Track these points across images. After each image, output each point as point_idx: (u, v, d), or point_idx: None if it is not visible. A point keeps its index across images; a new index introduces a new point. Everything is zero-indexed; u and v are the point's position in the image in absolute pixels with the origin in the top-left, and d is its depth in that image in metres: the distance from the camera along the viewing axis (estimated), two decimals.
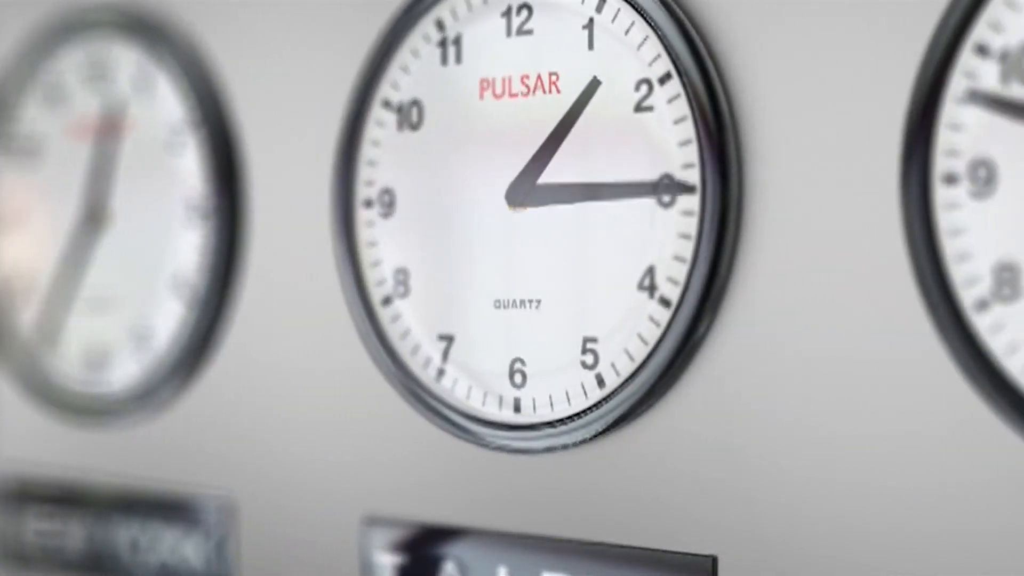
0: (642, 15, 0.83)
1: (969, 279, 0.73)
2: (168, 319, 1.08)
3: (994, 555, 0.73)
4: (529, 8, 0.88)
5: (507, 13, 0.89)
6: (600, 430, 0.85)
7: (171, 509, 1.08)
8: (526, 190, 0.88)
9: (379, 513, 0.96)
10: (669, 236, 0.83)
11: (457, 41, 0.92)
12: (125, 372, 1.11)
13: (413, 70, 0.94)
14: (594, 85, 0.85)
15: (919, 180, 0.74)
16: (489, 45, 0.90)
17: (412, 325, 0.94)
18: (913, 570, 0.75)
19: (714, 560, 0.82)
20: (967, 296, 0.73)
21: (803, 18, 0.79)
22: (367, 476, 0.98)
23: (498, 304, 0.90)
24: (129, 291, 1.11)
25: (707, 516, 0.82)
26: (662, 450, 0.84)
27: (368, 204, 0.96)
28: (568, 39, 0.87)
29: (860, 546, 0.77)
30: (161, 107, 1.09)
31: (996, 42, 0.72)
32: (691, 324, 0.82)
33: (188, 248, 1.07)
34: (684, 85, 0.82)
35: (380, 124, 0.95)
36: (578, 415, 0.86)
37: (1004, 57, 0.72)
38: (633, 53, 0.84)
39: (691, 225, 0.82)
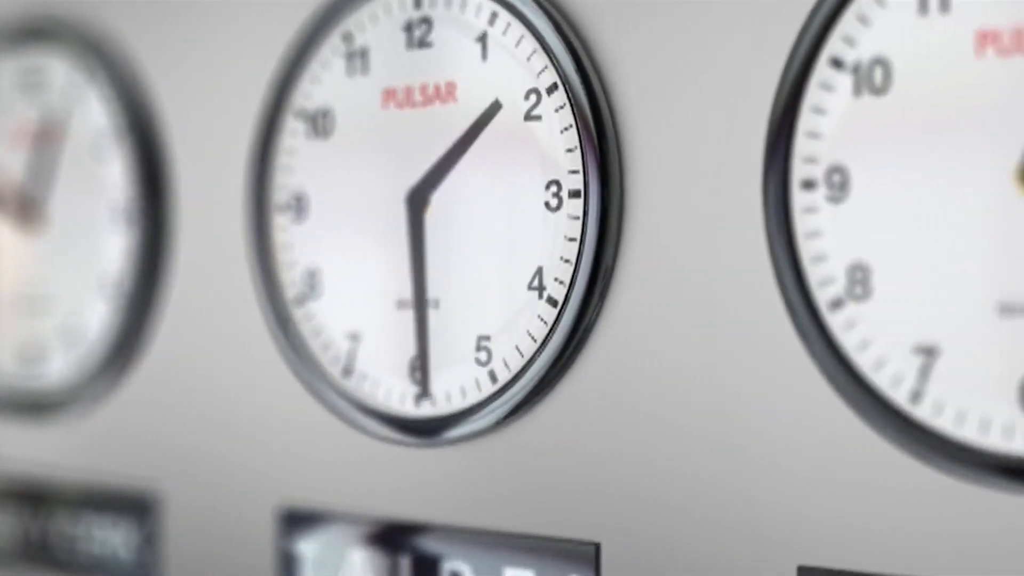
0: (530, 29, 0.88)
1: (824, 279, 0.77)
2: (98, 318, 1.12)
3: (848, 537, 0.77)
4: (429, 21, 0.93)
5: (408, 27, 0.94)
6: (492, 424, 0.89)
7: (103, 502, 1.12)
8: (425, 197, 0.92)
9: (297, 505, 1.01)
10: (557, 239, 0.87)
11: (363, 53, 0.96)
12: (58, 368, 1.15)
13: (323, 81, 0.98)
14: (495, 107, 0.89)
15: (779, 185, 0.79)
16: (392, 57, 0.95)
17: (323, 324, 0.98)
18: (780, 554, 0.80)
19: (597, 547, 0.86)
20: (822, 295, 0.77)
21: (677, 35, 0.83)
22: (285, 470, 1.02)
23: (401, 304, 0.94)
24: (62, 290, 1.15)
25: (592, 504, 0.87)
26: (551, 442, 0.88)
27: (282, 209, 1.00)
28: (464, 51, 0.91)
29: (735, 532, 0.81)
30: (91, 115, 1.13)
31: (849, 56, 0.77)
32: (576, 322, 0.86)
33: (116, 251, 1.11)
34: (569, 95, 0.86)
35: (293, 133, 0.99)
36: (472, 409, 0.90)
37: (856, 70, 0.76)
38: (523, 65, 0.88)
39: (576, 228, 0.86)
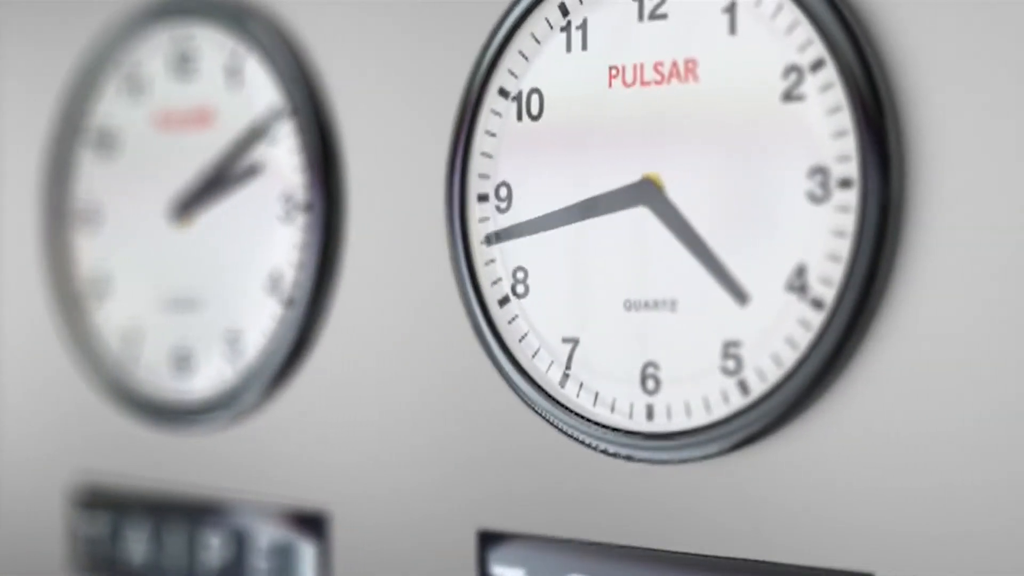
0: (264, 59, 1.00)
1: (494, 279, 0.89)
2: None
3: (523, 503, 0.89)
4: (191, 55, 1.05)
5: (177, 59, 1.06)
6: (238, 410, 1.02)
7: None
8: (186, 212, 1.05)
9: (86, 488, 1.13)
10: (290, 245, 0.99)
11: (148, 82, 1.08)
12: None
13: (115, 103, 1.10)
14: (253, 134, 1.02)
15: (459, 198, 0.90)
16: (162, 84, 1.07)
17: (114, 323, 1.10)
18: (464, 520, 0.91)
19: (324, 514, 0.98)
20: (492, 293, 0.89)
21: (384, 72, 0.96)
22: (74, 452, 1.14)
23: (166, 302, 1.06)
24: None
25: (321, 473, 0.99)
26: (295, 424, 1.00)
27: (80, 219, 1.12)
28: (218, 79, 1.03)
29: (431, 503, 0.92)
30: None
31: (513, 86, 0.88)
32: (306, 321, 0.98)
33: None
34: (299, 123, 0.98)
35: (86, 152, 1.12)
36: (224, 398, 1.02)
37: (518, 98, 0.88)
38: (261, 92, 1.01)
39: (300, 234, 0.98)
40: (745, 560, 0.80)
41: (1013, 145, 0.72)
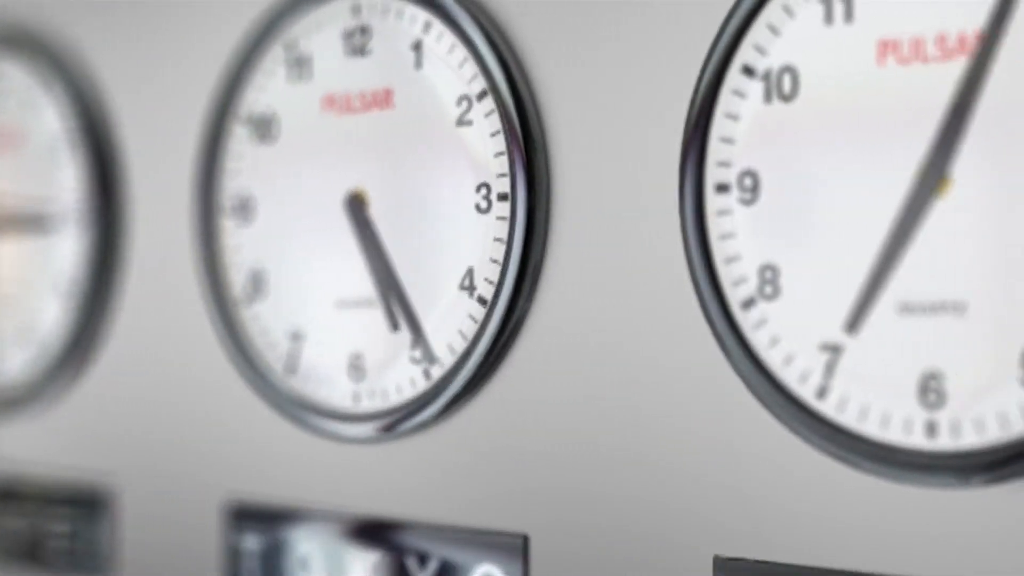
0: (62, 87, 1.13)
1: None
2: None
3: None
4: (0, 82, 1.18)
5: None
6: (39, 401, 1.15)
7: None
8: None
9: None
10: (75, 253, 1.12)
11: None
12: None
13: None
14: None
15: (207, 213, 1.03)
16: None
17: None
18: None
19: (111, 488, 1.10)
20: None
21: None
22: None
23: None
24: None
25: (108, 453, 1.11)
26: (89, 414, 1.13)
27: None
28: (20, 105, 1.16)
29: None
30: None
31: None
32: (92, 321, 1.11)
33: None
34: (80, 146, 1.11)
35: None
36: (27, 391, 1.16)
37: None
38: (56, 117, 1.13)
39: (82, 243, 1.12)
40: (424, 524, 0.92)
41: (634, 164, 0.84)
